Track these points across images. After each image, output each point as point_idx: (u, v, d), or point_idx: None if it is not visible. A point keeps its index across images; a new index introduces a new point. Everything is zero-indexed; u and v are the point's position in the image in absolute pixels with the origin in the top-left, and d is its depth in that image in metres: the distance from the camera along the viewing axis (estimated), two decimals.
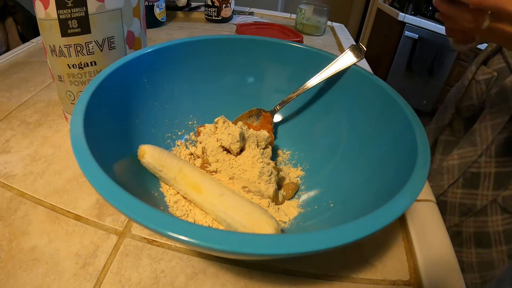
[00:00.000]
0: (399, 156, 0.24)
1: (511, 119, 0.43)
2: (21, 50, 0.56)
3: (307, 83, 0.33)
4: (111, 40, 0.32)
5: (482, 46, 0.53)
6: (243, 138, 0.29)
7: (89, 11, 0.29)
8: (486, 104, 0.47)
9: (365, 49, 0.32)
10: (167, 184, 0.27)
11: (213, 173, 0.29)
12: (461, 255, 0.45)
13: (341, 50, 0.73)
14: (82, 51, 0.31)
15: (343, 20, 1.51)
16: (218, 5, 0.79)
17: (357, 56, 0.32)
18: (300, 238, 0.15)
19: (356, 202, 0.25)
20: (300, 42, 0.64)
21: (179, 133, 0.34)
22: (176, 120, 0.34)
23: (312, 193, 0.30)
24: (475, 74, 0.51)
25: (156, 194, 0.26)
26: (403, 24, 1.77)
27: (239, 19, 0.85)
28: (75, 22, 0.29)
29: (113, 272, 0.23)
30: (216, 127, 0.31)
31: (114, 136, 0.26)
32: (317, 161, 0.32)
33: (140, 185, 0.26)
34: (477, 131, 0.47)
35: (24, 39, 1.12)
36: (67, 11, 0.28)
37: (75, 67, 0.31)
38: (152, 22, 0.73)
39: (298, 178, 0.32)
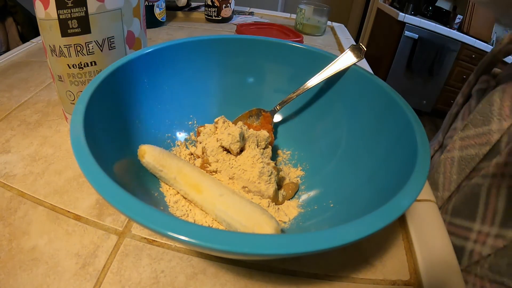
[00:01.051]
0: (399, 156, 0.24)
1: (485, 158, 0.29)
2: (21, 50, 0.56)
3: (307, 83, 0.33)
4: (111, 40, 0.32)
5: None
6: (243, 138, 0.29)
7: (89, 11, 0.29)
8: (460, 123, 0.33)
9: (365, 49, 0.32)
10: (167, 184, 0.27)
11: (213, 173, 0.29)
12: None
13: (341, 50, 0.73)
14: (82, 51, 0.31)
15: (343, 20, 1.51)
16: (218, 5, 0.79)
17: (357, 56, 0.32)
18: (300, 238, 0.15)
19: (356, 202, 0.25)
20: (300, 42, 0.64)
21: (179, 133, 0.34)
22: (176, 120, 0.34)
23: (312, 193, 0.30)
24: (473, 87, 0.37)
25: (156, 194, 0.26)
26: (403, 24, 1.77)
27: (239, 19, 0.85)
28: (75, 22, 0.29)
29: (113, 272, 0.23)
30: (216, 127, 0.31)
31: (114, 136, 0.26)
32: (317, 161, 0.32)
33: (140, 185, 0.26)
34: (441, 165, 0.34)
35: (24, 39, 1.12)
36: (67, 11, 0.28)
37: (75, 67, 0.31)
38: (152, 22, 0.73)
39: (298, 178, 0.32)
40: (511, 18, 0.34)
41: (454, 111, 0.39)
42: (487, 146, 0.29)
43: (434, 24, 1.73)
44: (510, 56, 0.34)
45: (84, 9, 0.29)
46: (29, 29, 1.12)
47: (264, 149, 0.30)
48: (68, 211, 0.27)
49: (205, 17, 0.83)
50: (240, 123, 0.30)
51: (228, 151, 0.29)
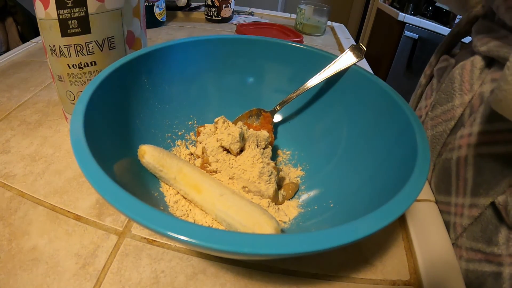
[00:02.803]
0: (399, 156, 0.24)
1: (451, 132, 0.31)
2: (21, 50, 0.56)
3: (307, 83, 0.33)
4: (111, 40, 0.32)
5: None
6: (243, 138, 0.29)
7: (89, 11, 0.29)
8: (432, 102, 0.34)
9: (365, 49, 0.32)
10: (167, 184, 0.27)
11: (213, 173, 0.29)
12: None
13: (341, 50, 0.73)
14: (82, 51, 0.31)
15: (343, 20, 1.51)
16: (218, 5, 0.79)
17: (357, 56, 0.32)
18: (300, 238, 0.15)
19: (356, 202, 0.25)
20: (300, 42, 0.64)
21: (179, 133, 0.34)
22: (176, 120, 0.34)
23: (312, 193, 0.30)
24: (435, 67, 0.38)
25: (156, 194, 0.26)
26: (403, 24, 1.77)
27: (239, 19, 0.85)
28: (75, 22, 0.29)
29: (113, 272, 0.23)
30: (216, 127, 0.31)
31: (114, 136, 0.26)
32: (317, 161, 0.32)
33: (140, 185, 0.26)
34: None
35: (24, 39, 1.12)
36: (67, 11, 0.28)
37: (75, 67, 0.31)
38: (152, 22, 0.73)
39: (298, 178, 0.32)
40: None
41: (418, 92, 0.41)
42: (452, 121, 0.31)
43: (434, 24, 1.73)
44: (468, 37, 0.36)
45: (84, 9, 0.29)
46: (29, 29, 1.12)
47: (264, 149, 0.30)
48: (68, 211, 0.27)
49: (205, 17, 0.83)
50: (240, 123, 0.30)
51: (228, 151, 0.29)
